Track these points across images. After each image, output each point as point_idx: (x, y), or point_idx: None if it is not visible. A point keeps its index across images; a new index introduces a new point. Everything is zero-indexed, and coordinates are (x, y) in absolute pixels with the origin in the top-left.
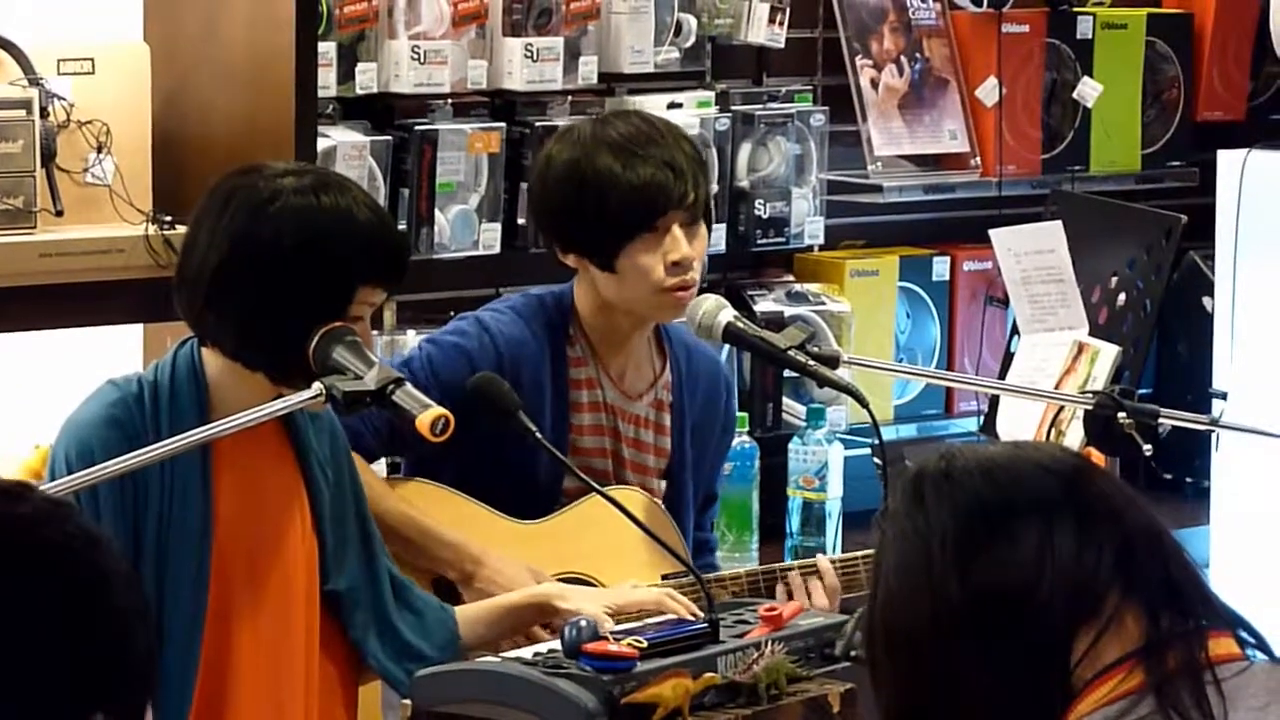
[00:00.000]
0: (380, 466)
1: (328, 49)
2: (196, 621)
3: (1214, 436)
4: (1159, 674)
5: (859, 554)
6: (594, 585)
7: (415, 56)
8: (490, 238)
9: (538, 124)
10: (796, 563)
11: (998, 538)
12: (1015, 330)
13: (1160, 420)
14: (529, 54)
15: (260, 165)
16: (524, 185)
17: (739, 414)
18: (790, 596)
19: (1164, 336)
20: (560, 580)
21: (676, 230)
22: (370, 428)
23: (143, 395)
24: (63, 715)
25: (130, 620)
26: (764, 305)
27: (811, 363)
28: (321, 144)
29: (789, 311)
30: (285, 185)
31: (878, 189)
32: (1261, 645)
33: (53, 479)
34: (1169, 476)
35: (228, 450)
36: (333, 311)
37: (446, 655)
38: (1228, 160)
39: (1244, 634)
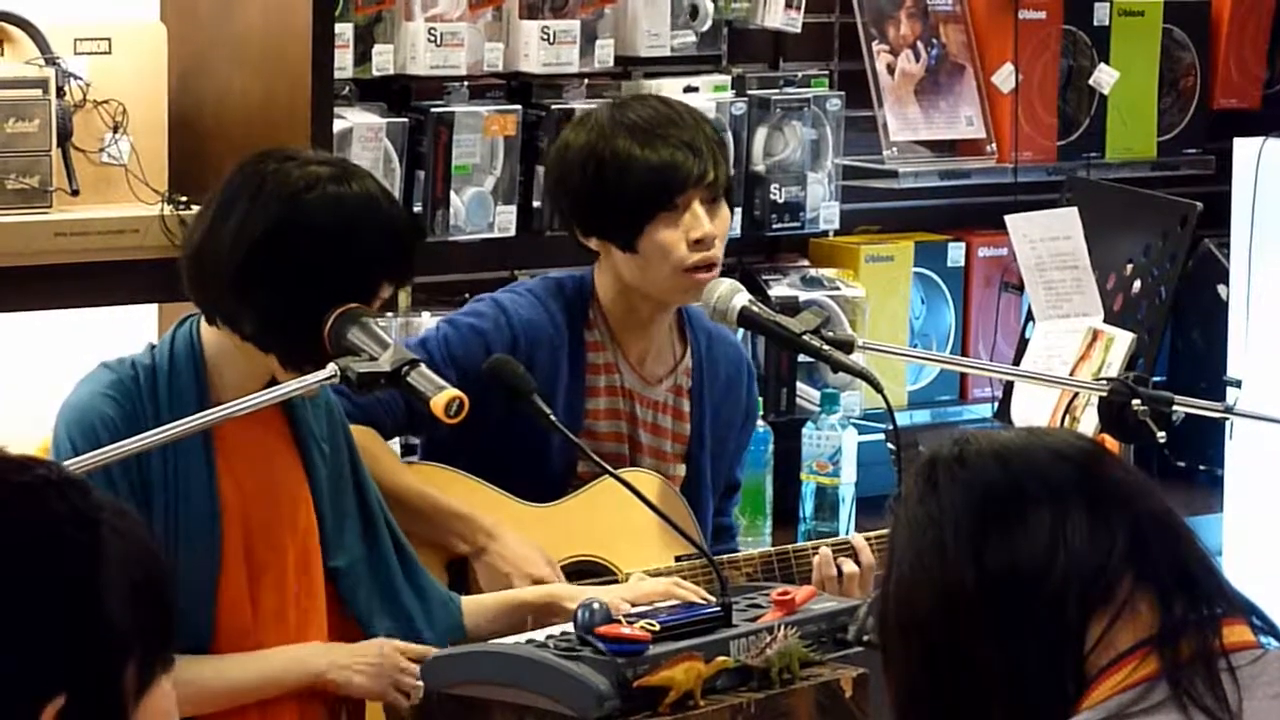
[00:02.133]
0: (394, 447)
1: (344, 30)
2: (208, 604)
3: (1228, 424)
4: (1173, 661)
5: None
6: (607, 568)
7: (432, 38)
8: (505, 220)
9: (554, 107)
10: (829, 540)
11: (1011, 523)
12: (1030, 316)
13: (1174, 408)
14: (545, 37)
15: (288, 151)
16: (540, 169)
17: None
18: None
19: (1178, 324)
20: (573, 563)
21: (697, 207)
22: (385, 406)
23: (138, 376)
24: (19, 702)
25: (108, 601)
26: (779, 290)
27: (826, 347)
28: (337, 125)
29: (804, 296)
30: (321, 174)
31: (893, 174)
32: (1275, 632)
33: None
34: (1182, 464)
35: (228, 431)
36: (359, 301)
37: (447, 643)
38: (1243, 148)
39: (1257, 621)
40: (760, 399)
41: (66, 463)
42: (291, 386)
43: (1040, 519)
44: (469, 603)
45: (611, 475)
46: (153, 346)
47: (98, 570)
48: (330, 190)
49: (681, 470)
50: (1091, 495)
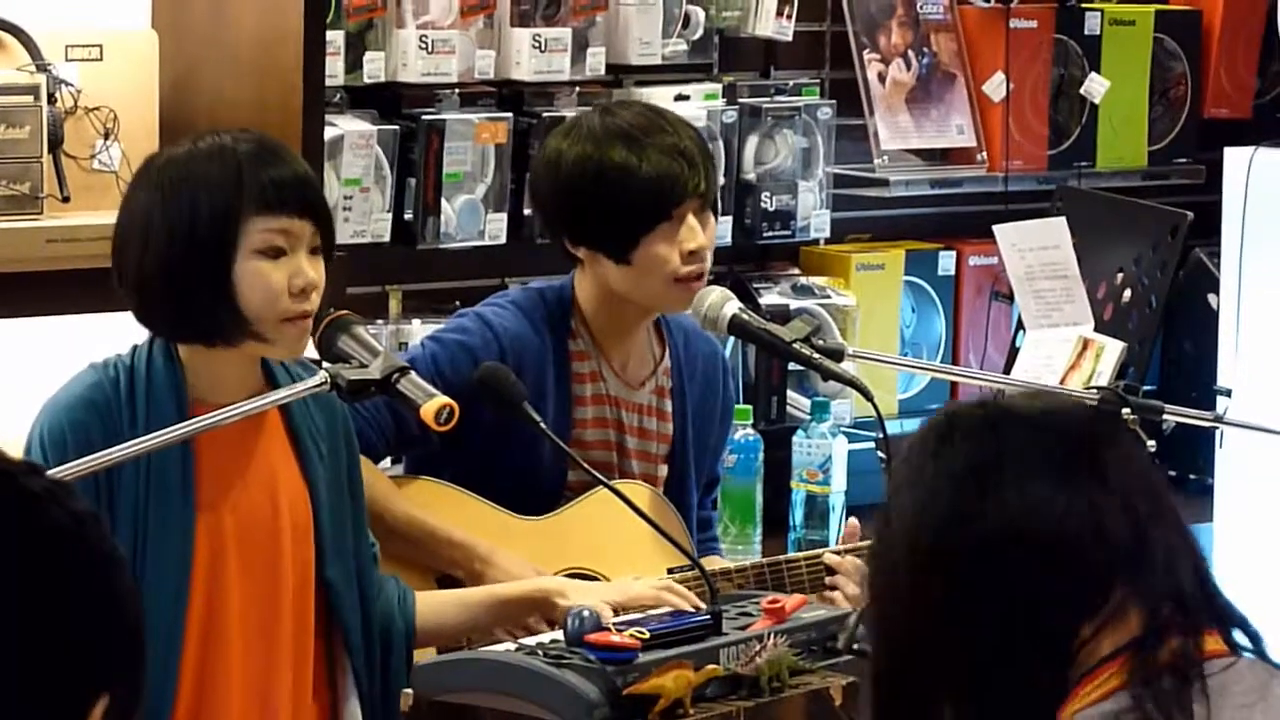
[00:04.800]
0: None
1: (335, 37)
2: (179, 610)
3: (1218, 433)
4: (1146, 671)
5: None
6: (599, 580)
7: (423, 46)
8: (496, 228)
9: (545, 115)
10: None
11: (1046, 477)
12: (1021, 325)
13: (1164, 417)
14: (537, 44)
15: (173, 145)
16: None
17: (743, 406)
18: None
19: (1169, 333)
20: (566, 575)
21: (691, 219)
22: (375, 428)
23: (119, 377)
24: (71, 698)
25: (130, 600)
26: (769, 298)
27: (816, 356)
28: (329, 133)
29: (794, 304)
30: (175, 150)
31: (884, 183)
32: (1259, 646)
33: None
34: (1173, 473)
35: (210, 435)
36: (220, 253)
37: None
38: (1234, 158)
39: (1242, 634)
40: (749, 407)
41: (59, 470)
42: (281, 394)
43: (1050, 486)
44: (462, 597)
45: (606, 486)
46: (136, 347)
47: (115, 567)
48: (174, 154)
49: (664, 471)
50: (1102, 483)
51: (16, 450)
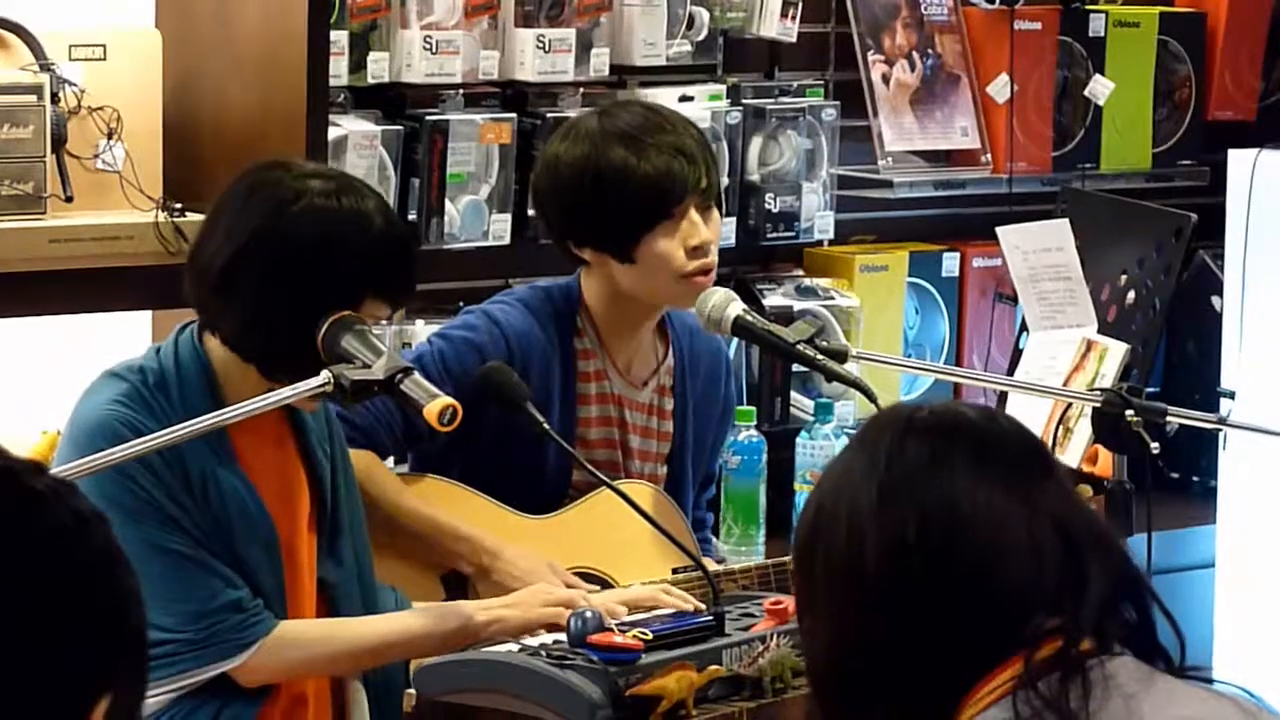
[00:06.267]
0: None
1: (339, 38)
2: (280, 597)
3: (1221, 435)
4: (1030, 673)
5: None
6: (604, 580)
7: (427, 46)
8: (500, 228)
9: (549, 115)
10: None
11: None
12: (1024, 327)
13: (1168, 419)
14: (541, 45)
15: (288, 163)
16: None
17: (746, 408)
18: None
19: (1172, 335)
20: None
21: (693, 215)
22: (385, 425)
23: (148, 381)
24: (72, 697)
25: (133, 600)
26: (773, 299)
27: (820, 357)
28: (332, 133)
29: (798, 306)
30: (312, 187)
31: (888, 184)
32: (1170, 663)
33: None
34: (1176, 475)
35: (238, 435)
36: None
37: None
38: (1238, 160)
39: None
40: (753, 408)
41: (73, 464)
42: (287, 393)
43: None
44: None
45: (609, 487)
46: (158, 349)
47: (117, 568)
48: (316, 203)
49: (664, 470)
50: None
51: (21, 446)
